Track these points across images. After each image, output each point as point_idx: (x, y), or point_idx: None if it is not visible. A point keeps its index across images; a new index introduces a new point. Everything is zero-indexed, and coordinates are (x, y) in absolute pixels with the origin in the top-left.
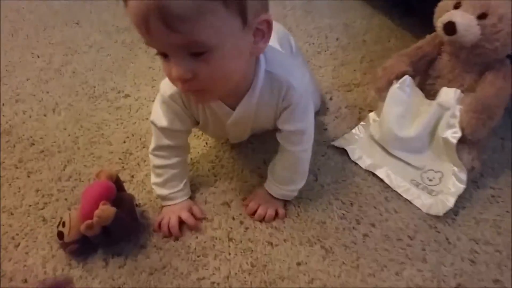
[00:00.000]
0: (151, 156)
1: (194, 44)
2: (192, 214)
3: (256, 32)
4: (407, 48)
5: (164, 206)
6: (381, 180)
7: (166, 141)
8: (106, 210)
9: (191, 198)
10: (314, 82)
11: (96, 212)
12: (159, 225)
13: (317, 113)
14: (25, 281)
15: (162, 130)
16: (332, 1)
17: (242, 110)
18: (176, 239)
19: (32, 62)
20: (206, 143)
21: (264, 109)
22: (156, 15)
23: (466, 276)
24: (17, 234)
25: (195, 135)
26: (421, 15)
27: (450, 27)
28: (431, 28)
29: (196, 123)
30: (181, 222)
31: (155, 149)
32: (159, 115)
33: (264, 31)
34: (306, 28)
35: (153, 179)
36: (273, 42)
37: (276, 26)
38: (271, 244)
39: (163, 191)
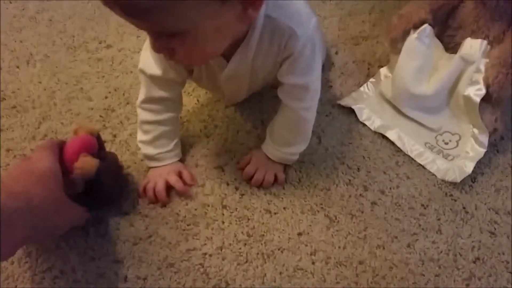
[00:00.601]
0: (139, 110)
1: (163, 30)
2: (181, 179)
3: None
4: None
5: (151, 168)
6: (392, 143)
7: (158, 92)
8: (87, 161)
9: (181, 161)
10: (319, 32)
11: (76, 164)
12: (144, 189)
13: (322, 69)
14: None
15: (154, 79)
16: None
17: (238, 61)
18: (164, 205)
19: (3, 8)
20: (198, 100)
21: (263, 59)
22: (117, 6)
23: (485, 249)
24: None
25: (185, 91)
26: None
27: None
28: None
29: (191, 72)
30: (169, 187)
31: (145, 101)
32: (149, 62)
33: None
34: None
35: (140, 136)
36: None
37: None
38: (270, 212)
39: (151, 150)
